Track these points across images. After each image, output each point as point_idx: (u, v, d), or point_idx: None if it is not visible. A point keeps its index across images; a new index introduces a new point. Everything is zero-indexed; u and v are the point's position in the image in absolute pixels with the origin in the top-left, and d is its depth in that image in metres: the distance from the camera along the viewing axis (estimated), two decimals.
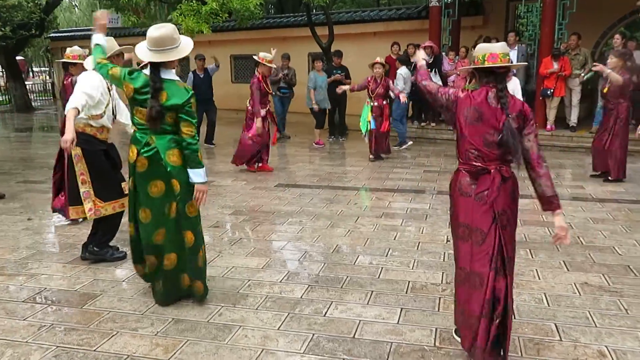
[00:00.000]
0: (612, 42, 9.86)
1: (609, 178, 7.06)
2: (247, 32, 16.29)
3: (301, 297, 3.70)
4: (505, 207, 2.73)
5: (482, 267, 2.67)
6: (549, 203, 2.80)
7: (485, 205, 2.70)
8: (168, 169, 3.37)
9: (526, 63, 10.57)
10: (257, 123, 7.61)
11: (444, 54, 11.33)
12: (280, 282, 3.96)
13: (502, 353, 2.71)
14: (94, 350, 3.01)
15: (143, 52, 3.35)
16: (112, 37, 4.23)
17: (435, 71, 10.27)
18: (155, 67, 3.34)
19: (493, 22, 13.40)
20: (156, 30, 3.32)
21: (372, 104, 8.66)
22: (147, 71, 3.39)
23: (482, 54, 2.74)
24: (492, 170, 2.71)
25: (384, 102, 8.75)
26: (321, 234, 5.08)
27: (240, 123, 8.38)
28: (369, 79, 8.68)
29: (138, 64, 4.12)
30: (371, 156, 8.80)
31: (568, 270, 4.14)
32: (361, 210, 5.93)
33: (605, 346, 3.01)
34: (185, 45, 3.42)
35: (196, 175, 3.39)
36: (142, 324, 3.32)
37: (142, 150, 3.39)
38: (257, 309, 3.52)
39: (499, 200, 2.70)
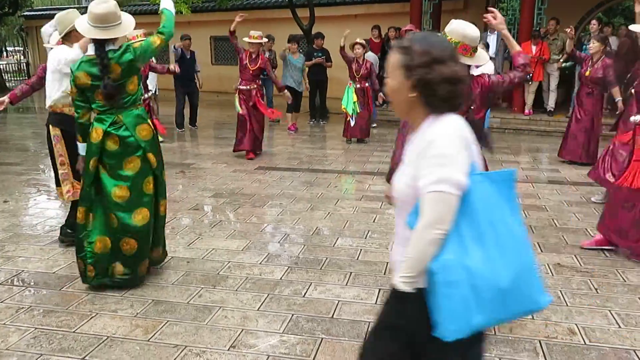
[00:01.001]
0: (589, 27, 9.98)
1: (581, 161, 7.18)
2: (227, 13, 16.00)
3: (281, 278, 3.74)
4: None
5: None
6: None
7: None
8: (142, 145, 3.42)
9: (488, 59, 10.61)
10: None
11: None
12: (260, 263, 4.00)
13: None
14: (73, 332, 3.02)
15: (85, 28, 3.30)
16: (75, 9, 4.13)
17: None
18: (101, 44, 3.30)
19: (474, 6, 13.42)
20: (98, 6, 3.27)
21: (355, 85, 8.64)
22: (90, 52, 3.35)
23: (457, 39, 2.72)
24: None
25: (366, 84, 8.74)
26: (301, 217, 5.11)
27: (221, 105, 8.31)
28: (350, 60, 8.62)
29: None
30: (349, 139, 8.81)
31: (542, 251, 4.25)
32: (341, 193, 5.97)
33: (575, 324, 3.11)
34: (129, 23, 3.44)
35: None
36: (122, 306, 3.33)
37: (110, 129, 3.37)
38: (237, 290, 3.55)
39: None
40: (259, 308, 3.30)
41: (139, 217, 3.46)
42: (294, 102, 9.63)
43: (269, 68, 7.85)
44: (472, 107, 2.73)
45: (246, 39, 7.66)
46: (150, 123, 3.59)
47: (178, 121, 10.18)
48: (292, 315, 3.22)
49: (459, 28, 2.73)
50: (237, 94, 7.70)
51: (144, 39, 3.73)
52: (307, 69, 10.57)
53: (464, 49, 2.68)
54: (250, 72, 7.59)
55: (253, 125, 7.59)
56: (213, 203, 5.60)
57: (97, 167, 3.42)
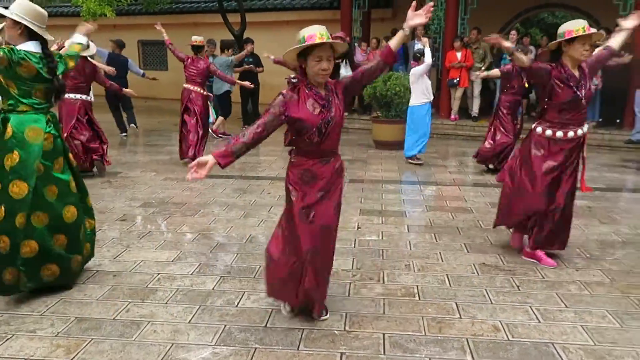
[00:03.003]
0: (509, 37, 10.52)
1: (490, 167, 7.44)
2: (155, 17, 15.56)
3: (213, 288, 3.66)
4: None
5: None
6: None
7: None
8: (63, 144, 3.53)
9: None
10: None
11: (355, 44, 11.56)
12: (192, 274, 3.90)
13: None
14: None
15: (31, 25, 3.31)
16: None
17: (346, 62, 10.45)
18: (44, 44, 3.39)
19: (402, 15, 13.81)
20: (40, 7, 3.40)
21: None
22: (24, 47, 3.30)
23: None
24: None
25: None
26: (234, 225, 5.04)
27: (150, 111, 8.09)
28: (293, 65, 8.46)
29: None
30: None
31: (468, 252, 4.41)
32: (275, 200, 5.94)
33: (499, 321, 3.25)
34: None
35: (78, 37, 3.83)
36: (41, 325, 3.14)
37: (48, 129, 3.38)
38: (167, 303, 3.44)
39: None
40: (190, 320, 3.22)
41: (69, 215, 3.46)
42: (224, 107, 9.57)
43: (214, 69, 7.83)
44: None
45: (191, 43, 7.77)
46: None
47: (121, 126, 9.90)
48: (225, 326, 3.16)
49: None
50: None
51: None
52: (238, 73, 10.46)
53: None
54: (196, 76, 7.66)
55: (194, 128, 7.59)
56: (142, 213, 5.41)
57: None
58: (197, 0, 17.27)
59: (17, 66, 3.22)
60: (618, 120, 9.78)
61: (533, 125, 4.11)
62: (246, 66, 10.54)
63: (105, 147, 6.94)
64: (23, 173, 3.26)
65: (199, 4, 16.46)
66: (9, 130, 3.27)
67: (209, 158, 2.73)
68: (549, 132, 3.93)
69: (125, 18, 15.96)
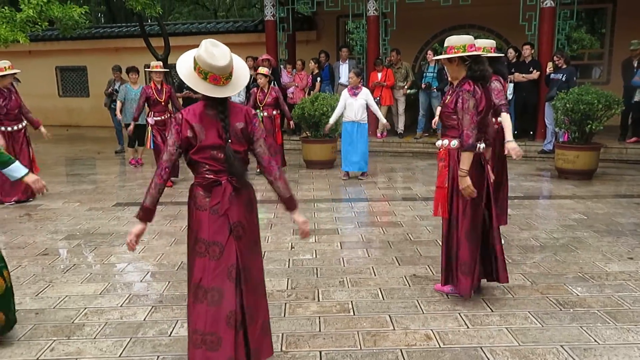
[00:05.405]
0: (427, 57, 11.04)
1: None
2: (74, 42, 15.18)
3: (144, 319, 3.55)
4: (241, 217, 2.67)
5: (221, 281, 2.60)
6: (289, 203, 2.78)
7: (221, 217, 2.63)
8: None
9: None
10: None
11: (282, 66, 11.70)
12: (121, 306, 3.76)
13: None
14: None
15: None
16: None
17: (274, 83, 10.55)
18: None
19: (326, 37, 14.18)
20: None
21: (261, 114, 8.02)
22: None
23: (205, 69, 2.54)
24: (223, 182, 2.63)
25: (274, 112, 8.21)
26: (165, 252, 4.92)
27: (72, 140, 7.79)
28: (255, 90, 8.17)
29: None
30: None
31: (399, 264, 4.54)
32: None
33: (431, 329, 3.36)
34: None
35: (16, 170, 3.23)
36: None
37: None
38: (95, 337, 3.29)
39: (233, 210, 2.64)
40: (120, 354, 3.10)
41: None
42: (132, 136, 9.23)
43: (174, 96, 8.33)
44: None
45: (152, 69, 8.00)
46: None
47: None
48: (158, 356, 3.07)
49: (206, 58, 2.53)
50: (149, 128, 7.95)
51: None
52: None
53: (214, 79, 2.54)
54: (162, 102, 7.87)
55: None
56: (65, 246, 5.17)
57: None
58: (118, 25, 16.91)
59: None
60: (531, 132, 10.45)
61: None
62: (186, 92, 10.40)
63: None
64: None
65: (120, 28, 16.10)
66: None
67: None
68: None
69: (42, 44, 15.35)
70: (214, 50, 2.52)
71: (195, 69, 2.56)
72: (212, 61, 2.50)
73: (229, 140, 2.57)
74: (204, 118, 2.58)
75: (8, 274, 3.26)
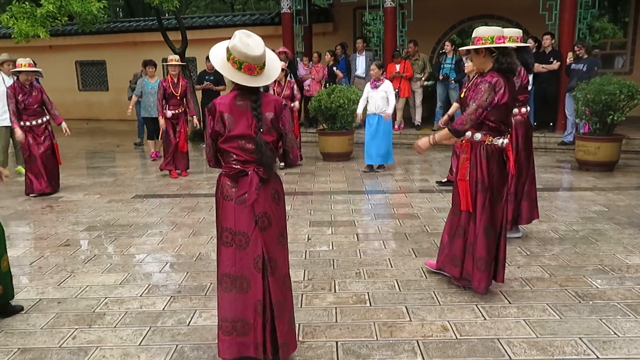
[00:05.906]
0: (445, 48, 10.93)
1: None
2: (93, 37, 15.34)
3: (163, 309, 3.60)
4: (266, 209, 2.68)
5: (248, 271, 2.64)
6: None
7: (247, 208, 2.65)
8: None
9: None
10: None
11: (298, 59, 11.69)
12: (141, 296, 3.82)
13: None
14: None
15: None
16: None
17: (290, 76, 10.56)
18: None
19: (342, 29, 14.12)
20: None
21: None
22: None
23: (240, 58, 2.55)
24: (249, 172, 2.64)
25: (292, 105, 8.22)
26: (183, 243, 4.98)
27: (92, 133, 7.90)
28: (272, 84, 8.14)
29: None
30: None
31: (416, 256, 4.53)
32: None
33: (448, 321, 3.36)
34: None
35: None
36: None
37: None
38: (115, 326, 3.36)
39: (259, 202, 2.65)
40: (140, 343, 3.15)
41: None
42: (151, 129, 9.51)
43: (189, 91, 8.24)
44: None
45: (168, 63, 7.98)
46: None
47: None
48: (177, 345, 3.12)
49: (241, 48, 2.53)
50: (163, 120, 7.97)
51: None
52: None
53: (249, 68, 2.56)
54: (177, 97, 7.91)
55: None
56: (86, 237, 5.26)
57: None
58: (136, 19, 17.04)
59: None
60: (551, 124, 10.30)
61: None
62: (206, 84, 10.48)
63: None
64: None
65: (138, 22, 16.22)
66: None
67: None
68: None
69: (62, 39, 15.53)
70: (248, 40, 2.54)
71: (228, 59, 2.58)
72: (247, 51, 2.52)
73: (260, 130, 2.60)
74: (234, 108, 2.61)
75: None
